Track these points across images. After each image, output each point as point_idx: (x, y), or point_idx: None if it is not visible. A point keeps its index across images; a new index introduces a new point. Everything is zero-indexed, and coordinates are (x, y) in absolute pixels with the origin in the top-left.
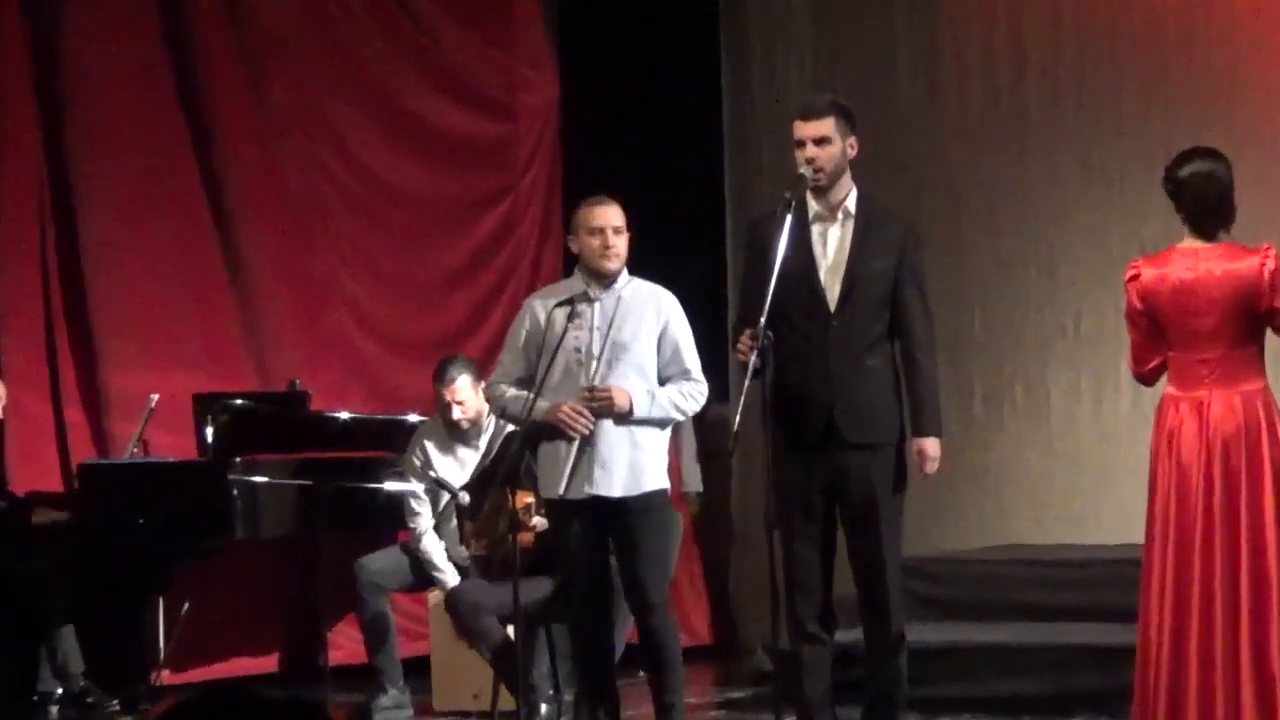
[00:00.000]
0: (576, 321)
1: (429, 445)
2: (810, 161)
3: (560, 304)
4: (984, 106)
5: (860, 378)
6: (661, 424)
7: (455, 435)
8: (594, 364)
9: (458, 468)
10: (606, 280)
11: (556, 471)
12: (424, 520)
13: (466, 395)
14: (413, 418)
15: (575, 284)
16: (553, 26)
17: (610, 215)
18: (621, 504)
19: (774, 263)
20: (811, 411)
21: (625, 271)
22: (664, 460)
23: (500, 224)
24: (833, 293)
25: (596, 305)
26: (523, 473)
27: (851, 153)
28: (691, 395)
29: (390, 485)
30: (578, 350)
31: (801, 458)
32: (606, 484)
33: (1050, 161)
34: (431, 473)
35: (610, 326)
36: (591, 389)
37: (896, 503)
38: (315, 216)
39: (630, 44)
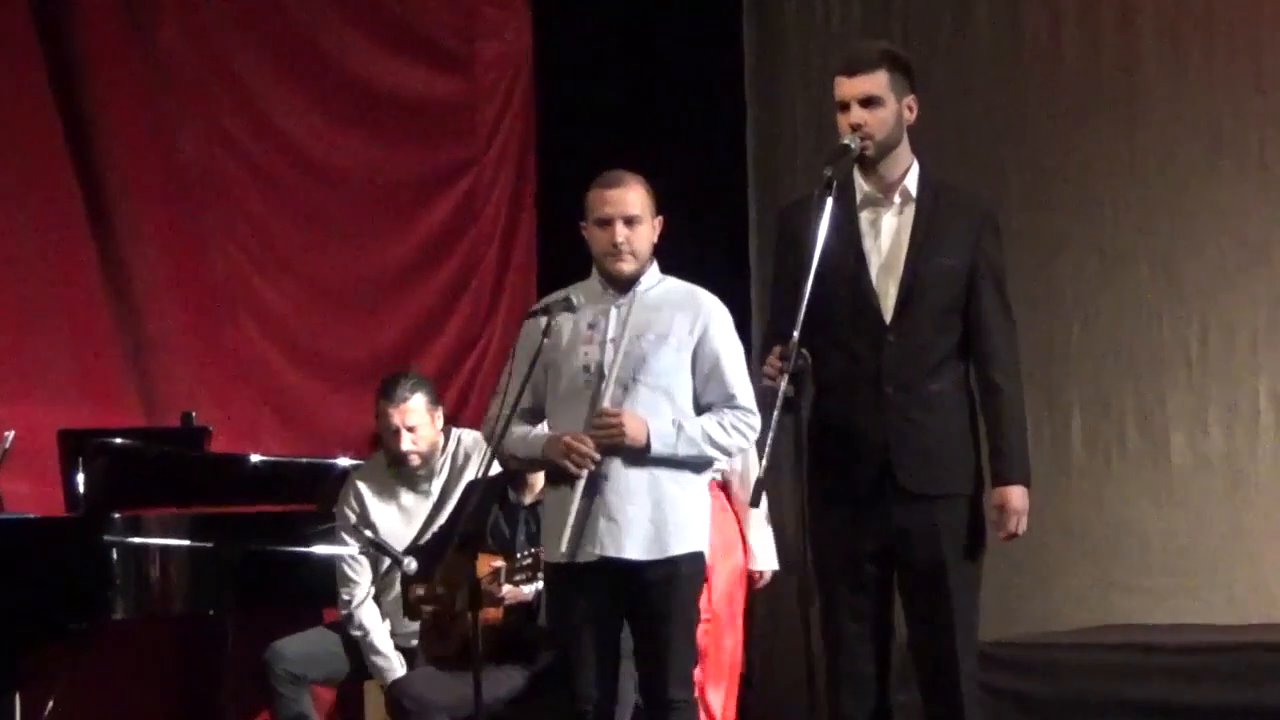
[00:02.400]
0: (589, 333)
1: (365, 491)
2: (856, 128)
3: (537, 310)
4: (1082, 58)
5: (923, 409)
6: (696, 466)
7: (401, 476)
8: (605, 385)
9: (402, 521)
10: (625, 283)
11: (558, 527)
12: (360, 590)
13: (420, 421)
14: (344, 461)
15: (591, 286)
16: None
17: (621, 199)
18: (640, 571)
19: (811, 260)
20: (861, 453)
21: (654, 268)
22: (702, 516)
23: (458, 209)
24: (887, 298)
25: (613, 312)
26: (489, 531)
27: (910, 117)
28: (736, 428)
29: (316, 549)
30: (587, 369)
31: (848, 513)
32: (618, 543)
33: (1168, 129)
34: (368, 531)
35: (628, 337)
36: (601, 414)
37: (971, 571)
38: (216, 201)
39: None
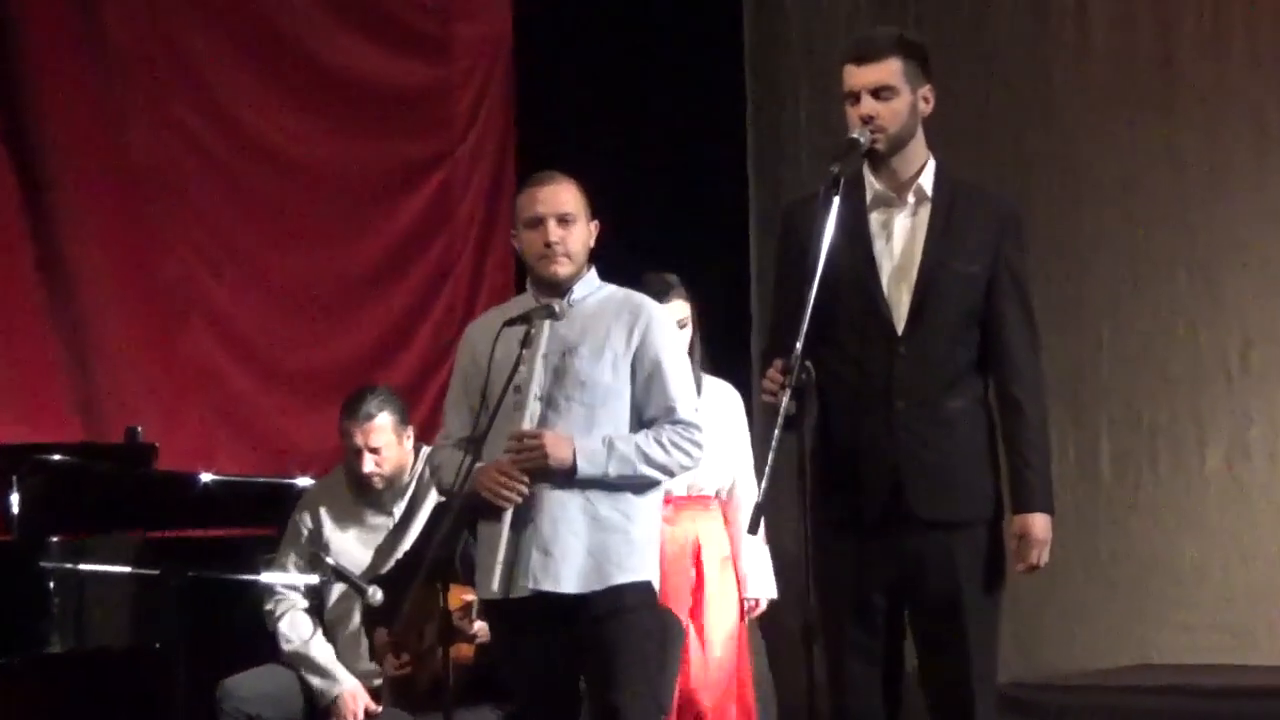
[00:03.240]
0: (521, 350)
1: (323, 512)
2: (867, 121)
3: (515, 320)
4: (1114, 43)
5: (938, 428)
6: (637, 488)
7: (363, 498)
8: (526, 403)
9: (361, 546)
10: (559, 290)
11: (490, 561)
12: (285, 602)
13: (386, 441)
14: (305, 482)
15: (526, 299)
16: None
17: (553, 197)
18: (579, 604)
19: (816, 264)
20: (869, 475)
21: (592, 275)
22: (648, 542)
23: (430, 206)
24: (900, 307)
25: (546, 326)
26: (459, 560)
27: (926, 108)
28: (676, 445)
29: (272, 576)
30: (517, 389)
31: (855, 542)
32: (554, 576)
33: (1209, 121)
34: (328, 558)
35: (558, 351)
36: (519, 436)
37: (989, 606)
38: (166, 196)
39: None
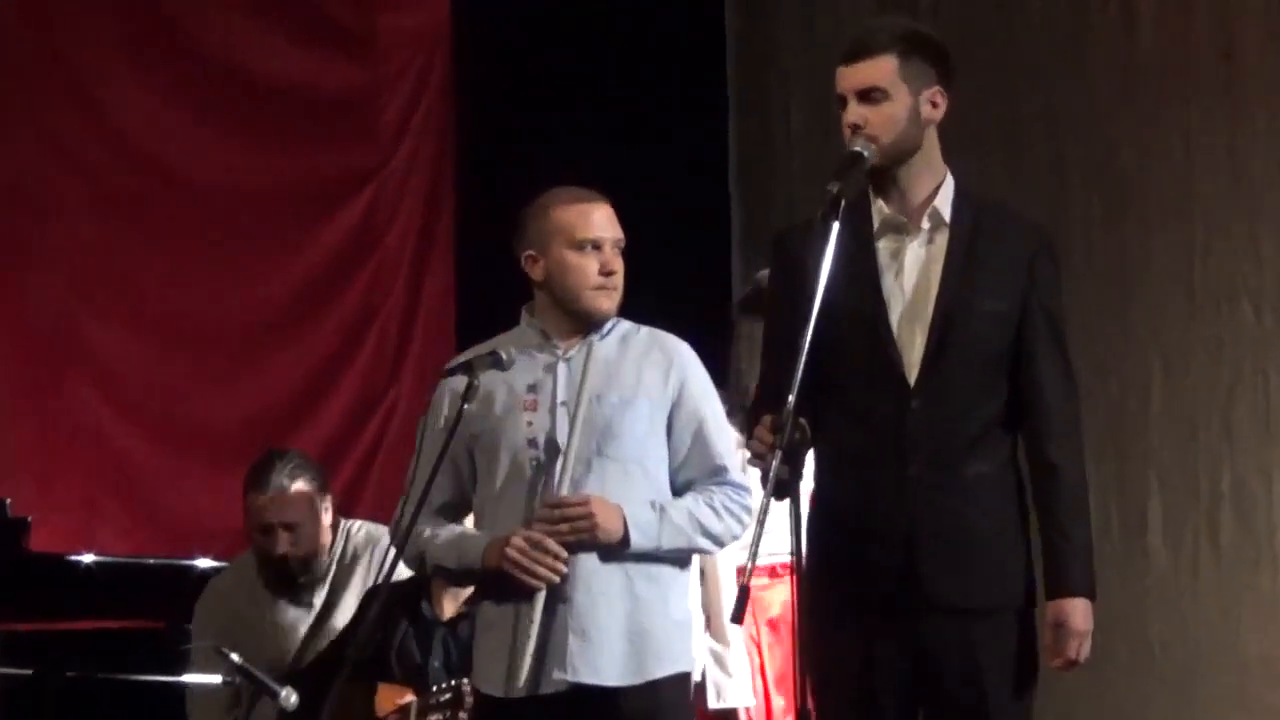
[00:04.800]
0: (530, 397)
1: (229, 601)
2: (853, 129)
3: (456, 369)
4: (1166, 35)
5: (959, 496)
6: (678, 560)
7: (277, 585)
8: (562, 463)
9: (275, 641)
10: (586, 327)
11: (503, 651)
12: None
13: (302, 516)
14: (205, 563)
15: (525, 335)
16: None
17: (611, 221)
18: (613, 702)
19: (813, 303)
20: (877, 552)
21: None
22: (687, 626)
23: (354, 232)
24: (912, 351)
25: (561, 368)
26: (394, 656)
27: (933, 114)
28: (729, 510)
29: (167, 677)
30: (533, 444)
31: (861, 630)
32: (594, 666)
33: (1277, 127)
34: (234, 655)
35: (585, 399)
36: (559, 504)
37: (1019, 709)
38: (41, 220)
39: None
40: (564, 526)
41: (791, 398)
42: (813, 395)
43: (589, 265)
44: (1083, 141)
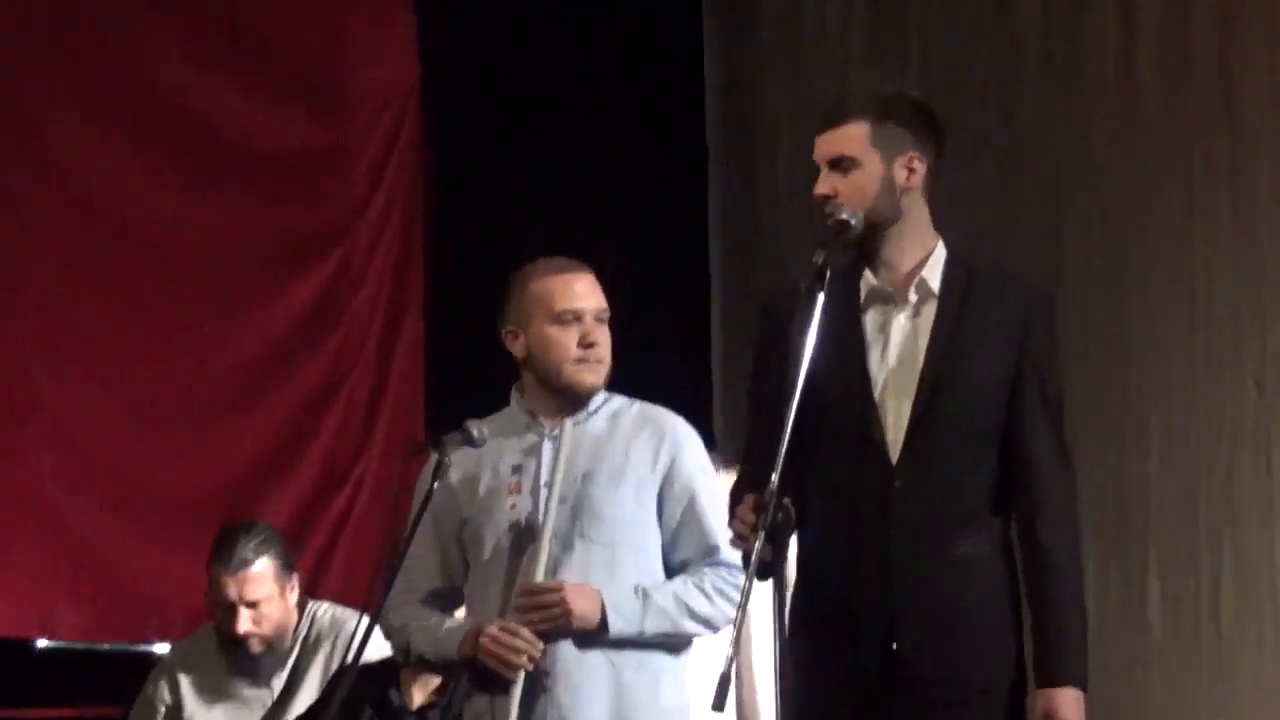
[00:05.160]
0: (515, 479)
1: (185, 682)
2: (823, 200)
3: (423, 445)
4: (1169, 85)
5: (945, 575)
6: (671, 647)
7: (236, 666)
8: (543, 546)
9: None
10: (573, 403)
11: None
12: None
13: (266, 593)
14: (164, 649)
15: (514, 416)
16: None
17: (592, 291)
18: None
19: (797, 377)
20: (861, 635)
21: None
22: (681, 712)
23: (321, 295)
24: (895, 427)
25: (547, 448)
26: None
27: (910, 180)
28: (722, 592)
29: None
30: (515, 527)
31: (846, 711)
32: None
33: None
34: None
35: (568, 479)
36: (532, 590)
37: None
38: None
39: None
40: (535, 615)
41: (775, 476)
42: (799, 473)
43: (568, 338)
44: (1079, 200)
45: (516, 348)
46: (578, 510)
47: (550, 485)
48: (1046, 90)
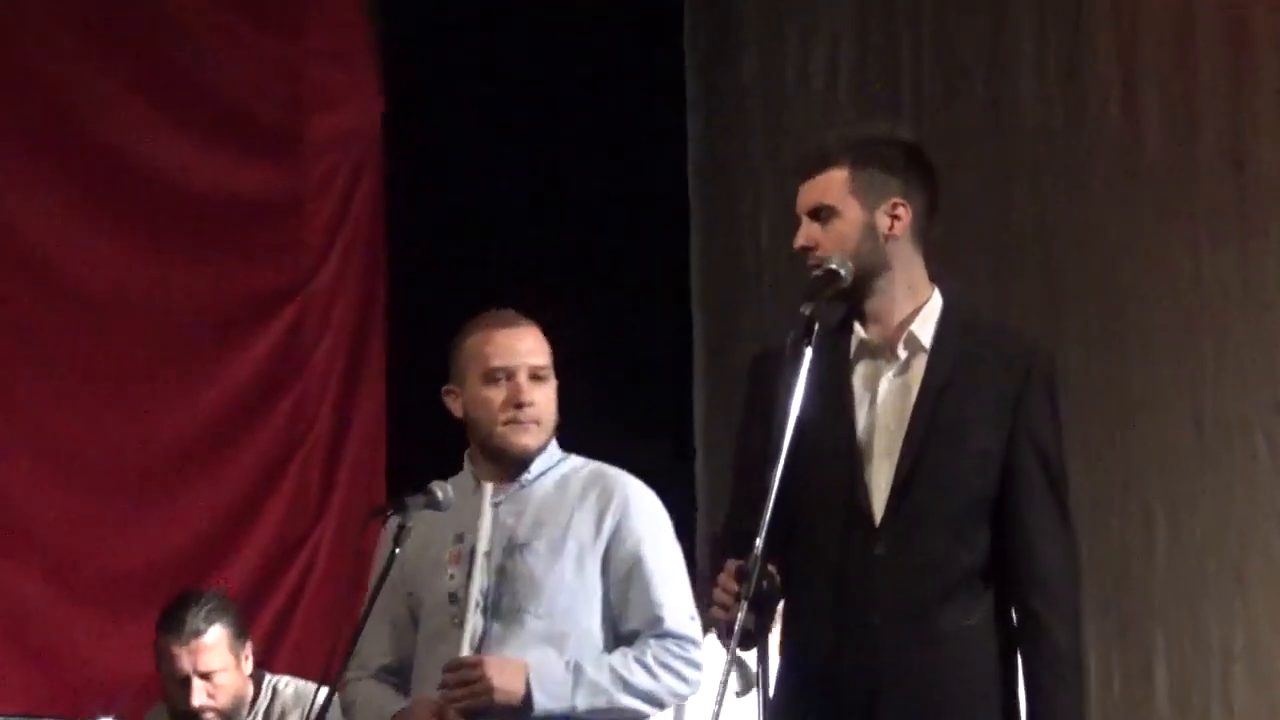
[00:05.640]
0: (456, 547)
1: None
2: (803, 251)
3: (384, 508)
4: (1172, 140)
5: (929, 652)
6: None
7: None
8: (467, 619)
9: None
10: (515, 467)
11: None
12: None
13: (220, 663)
14: None
15: (463, 481)
16: None
17: (522, 344)
18: None
19: (782, 435)
20: (842, 710)
21: (552, 447)
22: None
23: (274, 356)
24: (880, 492)
25: (487, 515)
26: None
27: (895, 228)
28: (668, 666)
29: None
30: (452, 597)
31: None
32: None
33: None
34: None
35: (505, 548)
36: (455, 666)
37: None
38: None
39: (517, 24)
40: (459, 691)
41: (759, 542)
42: (784, 538)
43: (498, 397)
44: (1080, 255)
45: (456, 408)
46: (513, 581)
47: (487, 554)
48: (1044, 141)
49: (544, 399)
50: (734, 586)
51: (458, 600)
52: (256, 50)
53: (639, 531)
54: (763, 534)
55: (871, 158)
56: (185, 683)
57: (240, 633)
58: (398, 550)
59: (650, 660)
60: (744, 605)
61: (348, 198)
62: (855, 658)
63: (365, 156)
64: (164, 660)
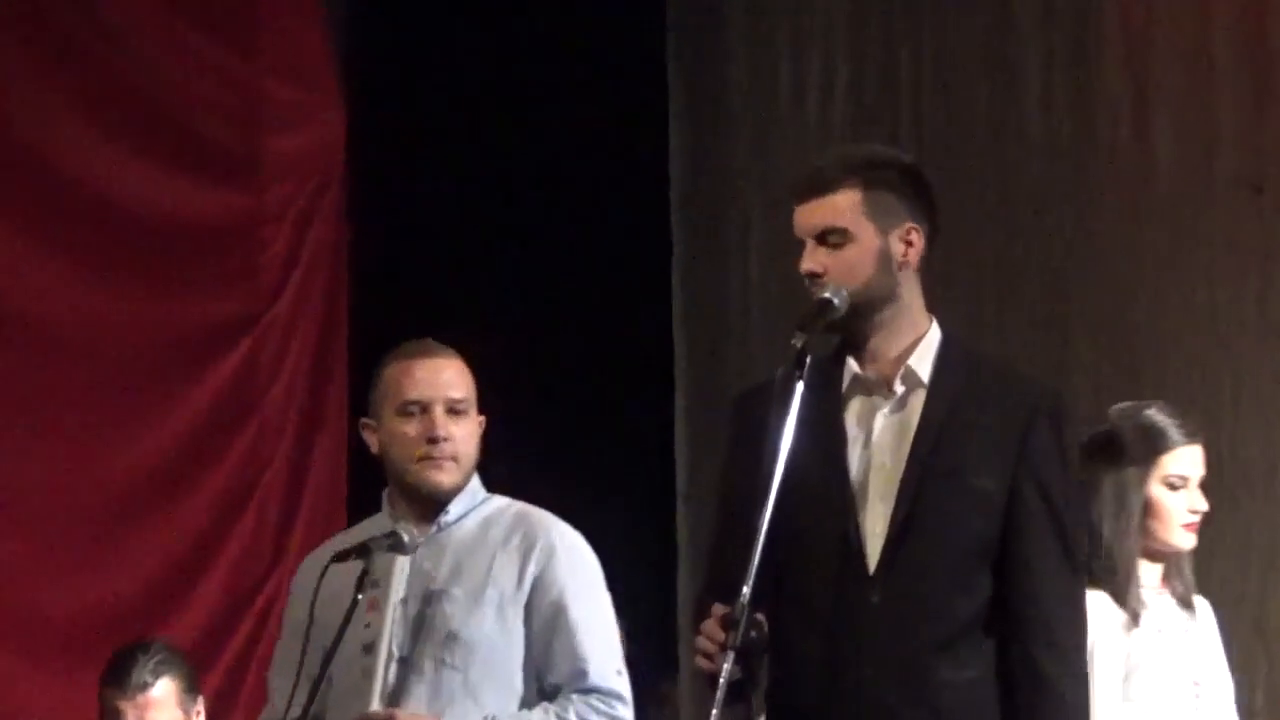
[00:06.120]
0: (371, 594)
1: None
2: (812, 279)
3: (348, 552)
4: (1187, 168)
5: (925, 707)
6: None
7: None
8: (377, 671)
9: None
10: (433, 508)
11: None
12: None
13: (166, 715)
14: None
15: (381, 523)
16: (337, 11)
17: (437, 376)
18: None
19: (771, 476)
20: None
21: (475, 486)
22: None
23: (228, 391)
24: (875, 536)
25: (402, 559)
26: None
27: (908, 255)
28: None
29: None
30: (368, 648)
31: None
32: None
33: None
34: None
35: (422, 595)
36: (365, 717)
37: None
38: None
39: (487, 35)
40: None
41: (747, 589)
42: (771, 585)
43: (410, 432)
44: (1089, 288)
45: (373, 443)
46: (429, 631)
47: (400, 602)
48: (1051, 164)
49: (462, 434)
50: (720, 635)
51: (372, 650)
52: (210, 66)
53: (562, 580)
54: (750, 581)
55: (881, 180)
56: None
57: (191, 687)
58: (359, 597)
59: (572, 717)
60: (730, 656)
61: (307, 221)
62: (846, 712)
63: (326, 177)
64: (109, 716)
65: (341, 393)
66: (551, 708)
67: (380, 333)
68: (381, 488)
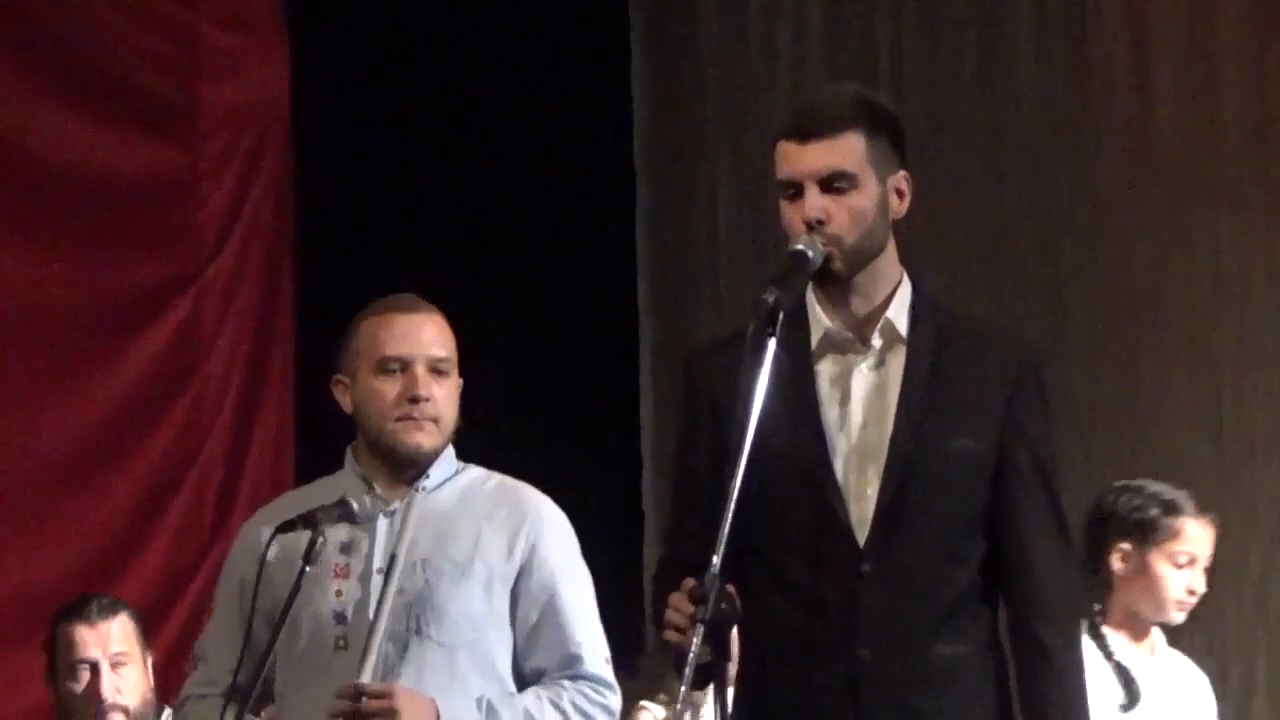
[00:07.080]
0: (343, 560)
1: None
2: (815, 225)
3: (294, 523)
4: (1190, 126)
5: (923, 686)
6: None
7: None
8: (374, 644)
9: None
10: (409, 472)
11: None
12: None
13: (129, 655)
14: None
15: (345, 482)
16: None
17: (419, 331)
18: None
19: (742, 440)
20: None
21: (450, 453)
22: None
23: (165, 356)
24: (862, 504)
25: (383, 524)
26: None
27: (900, 206)
28: (579, 709)
29: None
30: (340, 617)
31: None
32: None
33: None
34: None
35: (406, 565)
36: (358, 691)
37: None
38: None
39: None
40: None
41: (716, 559)
42: (742, 559)
43: (391, 390)
44: (1085, 248)
45: (345, 401)
46: (415, 604)
47: (386, 571)
48: (1045, 125)
49: (443, 395)
50: (689, 608)
51: (344, 620)
52: (143, 9)
53: (554, 560)
54: (720, 551)
55: (884, 125)
56: (94, 670)
57: (145, 638)
58: (308, 569)
59: (567, 705)
60: (700, 630)
61: (249, 177)
62: (838, 698)
63: (269, 130)
64: (66, 651)
65: (287, 357)
66: (544, 693)
67: (328, 293)
68: (331, 457)
